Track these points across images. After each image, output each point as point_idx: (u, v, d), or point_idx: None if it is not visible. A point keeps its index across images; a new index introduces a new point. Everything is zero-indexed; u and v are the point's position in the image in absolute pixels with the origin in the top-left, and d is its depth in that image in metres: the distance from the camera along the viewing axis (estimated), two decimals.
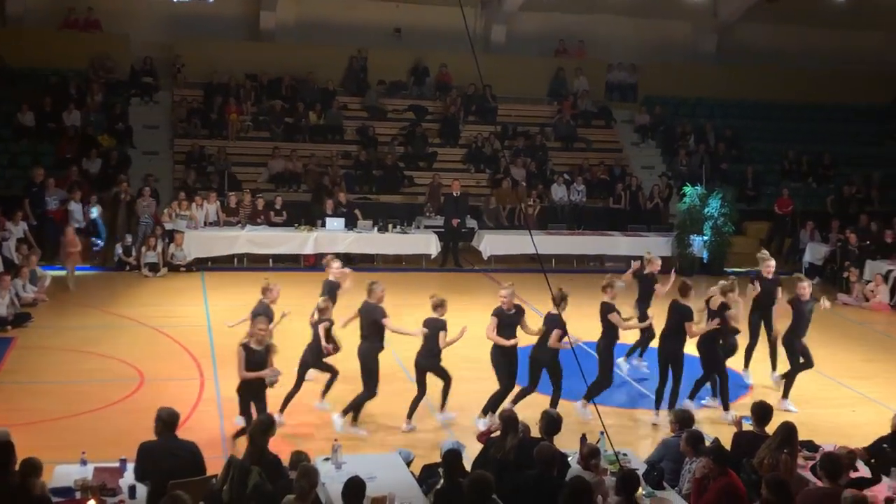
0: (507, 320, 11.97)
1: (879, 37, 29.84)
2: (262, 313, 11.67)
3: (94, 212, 20.52)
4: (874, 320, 18.70)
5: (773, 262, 14.05)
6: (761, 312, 13.91)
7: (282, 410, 11.54)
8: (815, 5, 26.75)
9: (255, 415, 10.22)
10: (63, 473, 8.44)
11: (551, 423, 9.03)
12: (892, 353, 16.40)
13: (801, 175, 26.97)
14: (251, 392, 10.51)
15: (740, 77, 28.66)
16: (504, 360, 12.02)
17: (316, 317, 12.34)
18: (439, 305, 11.85)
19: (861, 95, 29.18)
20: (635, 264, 14.50)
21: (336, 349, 12.23)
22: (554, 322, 11.68)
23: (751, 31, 29.25)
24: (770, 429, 9.33)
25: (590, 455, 8.52)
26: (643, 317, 13.69)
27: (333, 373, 12.28)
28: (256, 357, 10.50)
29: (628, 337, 13.92)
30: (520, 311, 12.08)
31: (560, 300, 11.49)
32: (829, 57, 29.38)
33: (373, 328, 11.84)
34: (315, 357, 12.15)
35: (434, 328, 11.74)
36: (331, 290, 13.37)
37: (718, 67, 29.15)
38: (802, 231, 23.90)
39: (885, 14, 28.31)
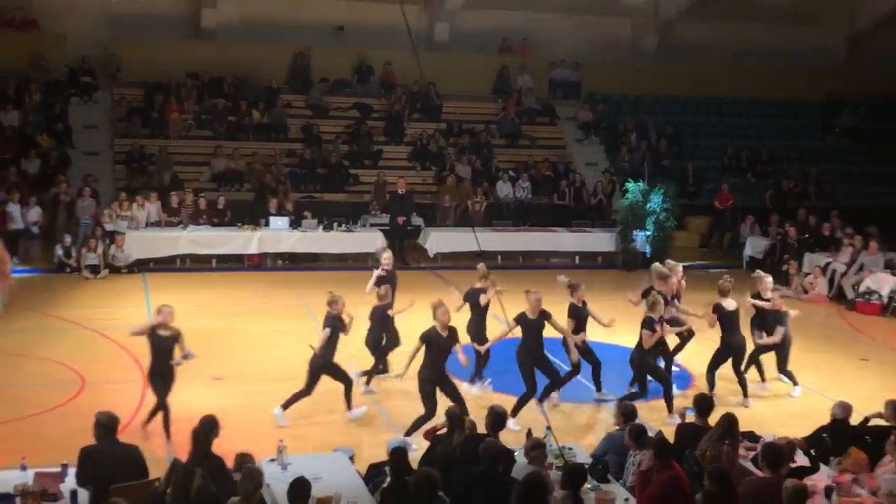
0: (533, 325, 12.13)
1: (817, 33, 30.39)
2: (332, 325, 11.95)
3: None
4: (813, 312, 18.96)
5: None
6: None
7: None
8: (753, 3, 27.19)
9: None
10: (3, 479, 8.28)
11: (497, 419, 9.07)
12: (831, 344, 16.68)
13: (741, 170, 27.37)
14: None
15: (681, 74, 29.04)
16: (530, 361, 12.04)
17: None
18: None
19: (799, 91, 29.68)
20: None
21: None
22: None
23: (691, 29, 29.59)
24: (712, 420, 9.46)
25: (532, 447, 8.57)
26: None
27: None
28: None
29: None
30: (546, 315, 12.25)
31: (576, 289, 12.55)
32: (767, 53, 29.83)
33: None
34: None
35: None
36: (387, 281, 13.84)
37: (660, 65, 29.46)
38: (742, 225, 24.25)
39: (823, 10, 28.89)
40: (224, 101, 25.31)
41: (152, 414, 11.15)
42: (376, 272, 13.99)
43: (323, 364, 11.83)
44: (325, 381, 13.28)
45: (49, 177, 22.00)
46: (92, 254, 19.60)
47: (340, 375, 11.99)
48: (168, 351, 11.00)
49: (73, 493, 7.99)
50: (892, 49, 30.05)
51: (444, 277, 20.47)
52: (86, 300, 17.63)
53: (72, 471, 8.35)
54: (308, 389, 11.76)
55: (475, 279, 13.78)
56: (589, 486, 8.38)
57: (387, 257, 14.32)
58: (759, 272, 14.53)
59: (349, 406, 11.95)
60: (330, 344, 11.84)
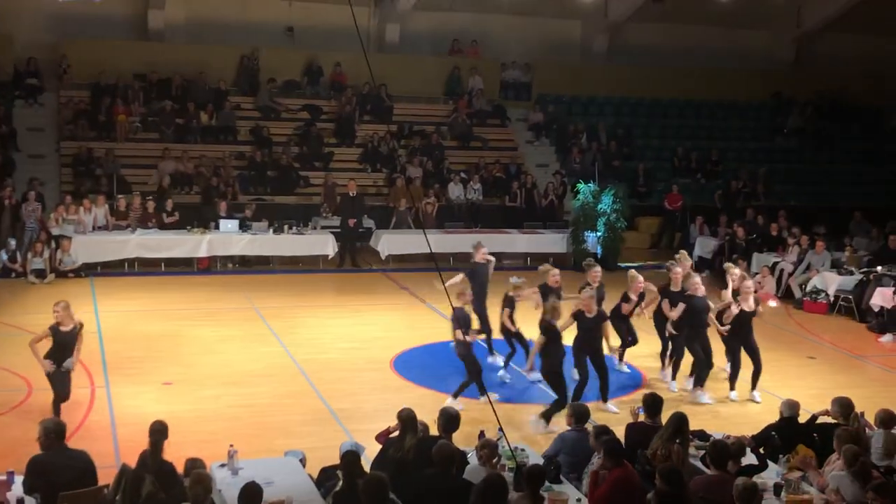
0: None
1: (764, 35, 30.84)
2: (461, 318, 12.25)
3: None
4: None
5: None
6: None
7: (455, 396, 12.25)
8: (701, 5, 27.45)
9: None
10: None
11: (449, 420, 9.05)
12: (779, 343, 16.85)
13: (691, 171, 27.66)
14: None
15: (631, 76, 29.25)
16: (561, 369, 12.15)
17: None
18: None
19: (747, 92, 30.07)
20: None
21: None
22: None
23: (640, 31, 29.84)
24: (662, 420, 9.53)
25: (481, 447, 8.56)
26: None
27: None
28: None
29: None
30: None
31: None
32: (715, 55, 30.20)
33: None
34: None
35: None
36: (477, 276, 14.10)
37: (609, 66, 29.67)
38: (692, 226, 24.49)
39: (769, 13, 29.28)
40: (172, 103, 25.06)
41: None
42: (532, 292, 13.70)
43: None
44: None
45: None
46: (38, 258, 19.29)
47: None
48: (70, 345, 11.38)
49: (20, 502, 7.86)
50: (839, 49, 30.61)
51: (397, 280, 20.48)
52: (32, 305, 17.33)
53: (18, 478, 8.20)
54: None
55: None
56: (542, 487, 8.38)
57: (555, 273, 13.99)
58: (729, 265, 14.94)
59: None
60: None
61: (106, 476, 8.42)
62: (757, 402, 13.21)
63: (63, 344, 11.40)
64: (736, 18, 28.79)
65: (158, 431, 8.44)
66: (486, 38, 29.18)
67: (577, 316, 12.35)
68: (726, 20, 29.01)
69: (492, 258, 14.96)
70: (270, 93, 26.32)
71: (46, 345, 11.49)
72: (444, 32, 28.86)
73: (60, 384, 11.40)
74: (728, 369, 13.69)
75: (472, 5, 28.28)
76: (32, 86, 24.77)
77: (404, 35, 28.36)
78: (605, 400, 12.58)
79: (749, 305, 13.19)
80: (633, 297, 13.96)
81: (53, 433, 8.28)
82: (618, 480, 8.17)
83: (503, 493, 7.57)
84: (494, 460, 8.58)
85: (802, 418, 10.23)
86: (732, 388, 13.46)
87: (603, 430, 9.03)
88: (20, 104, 24.52)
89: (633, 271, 14.47)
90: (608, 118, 28.77)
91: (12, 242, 19.64)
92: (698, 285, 13.21)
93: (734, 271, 14.28)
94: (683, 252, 15.23)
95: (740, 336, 13.28)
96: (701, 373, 13.33)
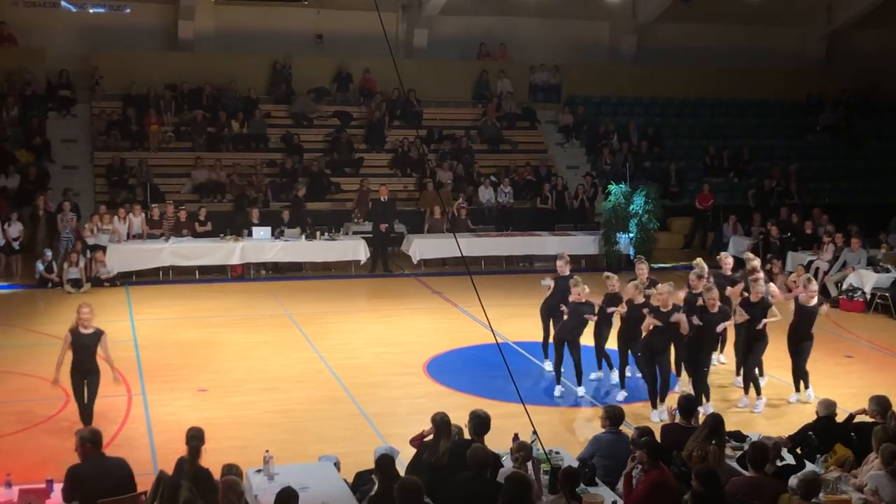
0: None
1: (793, 33, 30.58)
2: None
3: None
4: None
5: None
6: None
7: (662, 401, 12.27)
8: (730, 4, 27.32)
9: None
10: None
11: (480, 423, 9.04)
12: (816, 342, 16.60)
13: (723, 170, 27.47)
14: None
15: (660, 76, 29.12)
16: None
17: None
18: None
19: (777, 91, 29.84)
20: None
21: None
22: None
23: (668, 31, 29.69)
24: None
25: (516, 450, 8.55)
26: None
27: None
28: None
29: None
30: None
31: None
32: (744, 54, 30.00)
33: None
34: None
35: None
36: None
37: (638, 67, 29.55)
38: (725, 225, 24.32)
39: (799, 11, 29.06)
40: (203, 112, 25.23)
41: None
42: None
43: None
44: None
45: (29, 192, 21.87)
46: (74, 268, 19.48)
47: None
48: (92, 350, 11.34)
49: None
50: (869, 47, 30.30)
51: (429, 284, 20.49)
52: (68, 315, 17.29)
53: (57, 486, 8.30)
54: None
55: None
56: (577, 489, 8.37)
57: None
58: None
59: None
60: None
61: (143, 483, 8.49)
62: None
63: (84, 348, 11.32)
64: (765, 17, 28.61)
65: (196, 437, 8.50)
66: (513, 40, 29.16)
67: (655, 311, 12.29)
68: (755, 19, 28.82)
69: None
70: (307, 101, 26.39)
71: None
72: (471, 36, 28.87)
73: (79, 395, 11.36)
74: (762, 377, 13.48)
75: (499, 9, 28.26)
76: (65, 98, 25.04)
77: (432, 40, 28.41)
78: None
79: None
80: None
81: (89, 442, 8.35)
82: (654, 482, 8.15)
83: (528, 488, 7.56)
84: (529, 463, 8.58)
85: (840, 418, 10.13)
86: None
87: (645, 432, 8.99)
88: (53, 116, 24.80)
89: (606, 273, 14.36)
90: (638, 118, 28.64)
91: (48, 253, 19.84)
92: (715, 301, 12.58)
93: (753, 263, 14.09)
94: (699, 260, 14.25)
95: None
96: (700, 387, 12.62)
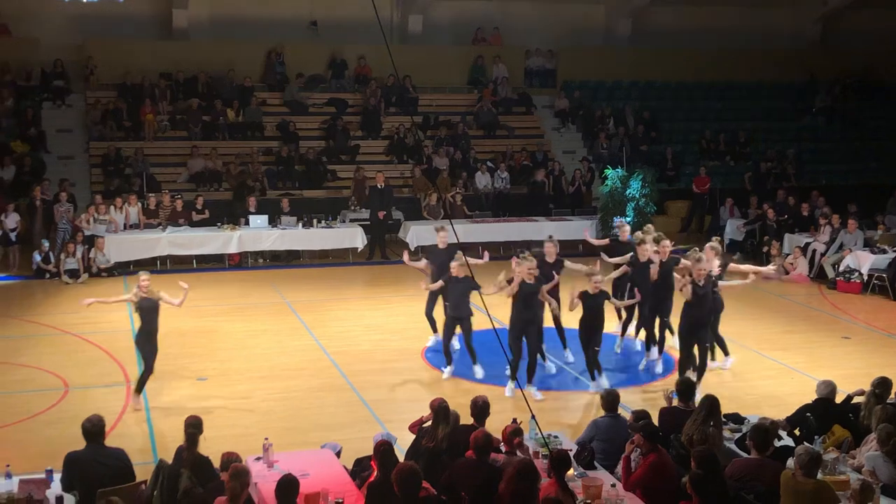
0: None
1: (788, 14, 30.56)
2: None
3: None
4: (794, 292, 19.11)
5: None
6: None
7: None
8: None
9: None
10: None
11: (480, 408, 9.08)
12: (813, 324, 16.78)
13: (719, 153, 27.46)
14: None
15: (656, 59, 29.06)
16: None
17: None
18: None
19: (773, 73, 29.77)
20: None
21: None
22: None
23: (664, 14, 29.65)
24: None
25: (512, 434, 8.57)
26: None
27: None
28: None
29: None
30: None
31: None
32: (740, 36, 29.96)
33: None
34: None
35: None
36: None
37: (634, 50, 29.49)
38: (722, 208, 24.33)
39: None
40: (198, 101, 25.18)
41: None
42: None
43: None
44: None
45: (25, 183, 21.84)
46: (71, 258, 19.47)
47: None
48: (154, 313, 12.08)
49: (59, 499, 7.96)
50: (865, 28, 30.25)
51: (426, 271, 20.44)
52: (66, 305, 17.52)
53: (57, 476, 8.32)
54: None
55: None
56: (576, 472, 8.40)
57: None
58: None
59: None
60: None
61: (143, 472, 8.51)
62: None
63: (147, 311, 11.99)
64: None
65: (193, 426, 8.52)
66: (508, 25, 29.08)
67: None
68: (750, 1, 28.75)
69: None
70: (297, 87, 26.36)
71: (117, 305, 13.02)
72: (466, 21, 28.78)
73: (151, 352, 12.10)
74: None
75: None
76: (60, 87, 24.96)
77: (427, 25, 28.33)
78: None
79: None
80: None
81: (88, 431, 8.38)
82: (653, 465, 8.19)
83: (534, 475, 7.59)
84: (517, 442, 8.60)
85: (838, 399, 10.14)
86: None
87: (641, 415, 9.02)
88: (48, 106, 24.72)
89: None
90: (634, 102, 28.60)
91: (45, 243, 19.84)
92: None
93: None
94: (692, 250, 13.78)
95: None
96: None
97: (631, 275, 13.88)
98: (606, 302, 12.85)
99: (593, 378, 12.75)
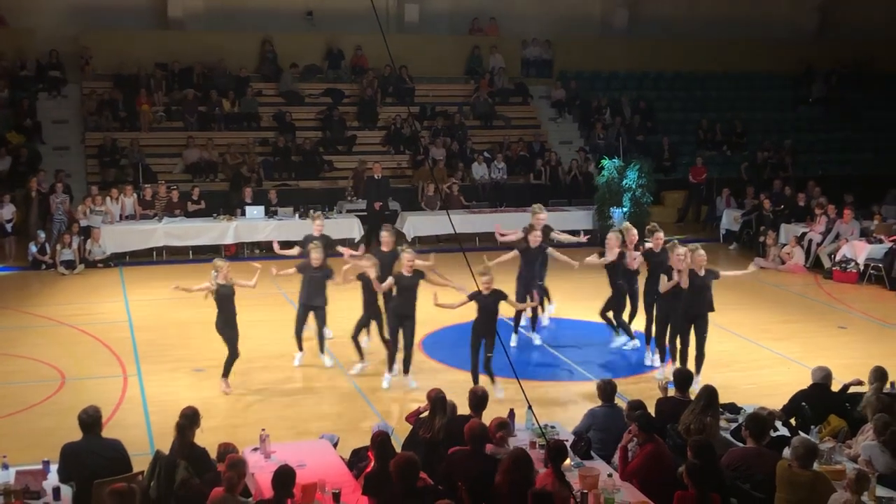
0: None
1: (785, 4, 30.51)
2: None
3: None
4: (790, 282, 19.13)
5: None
6: None
7: None
8: None
9: None
10: None
11: (478, 399, 9.08)
12: (809, 313, 16.79)
13: (716, 144, 27.45)
14: None
15: (652, 49, 29.03)
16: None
17: None
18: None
19: (769, 63, 29.74)
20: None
21: None
22: None
23: (660, 4, 29.64)
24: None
25: (497, 428, 8.55)
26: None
27: None
28: None
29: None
30: None
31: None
32: (737, 26, 29.92)
33: None
34: None
35: None
36: None
37: (630, 40, 29.44)
38: (718, 198, 24.32)
39: None
40: (194, 92, 25.12)
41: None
42: None
43: None
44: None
45: (21, 174, 21.80)
46: (67, 249, 19.43)
47: None
48: (231, 297, 12.21)
49: (56, 490, 7.95)
50: (862, 17, 30.21)
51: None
52: (62, 296, 17.51)
53: (53, 467, 8.31)
54: None
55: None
56: (572, 462, 8.41)
57: None
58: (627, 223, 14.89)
59: None
60: None
61: (140, 463, 8.51)
62: None
63: (225, 298, 12.15)
64: None
65: (187, 417, 8.48)
66: (505, 15, 29.00)
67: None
68: None
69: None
70: (292, 77, 26.30)
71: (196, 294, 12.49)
72: (462, 11, 28.70)
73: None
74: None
75: None
76: (55, 78, 24.90)
77: (423, 15, 28.25)
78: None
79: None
80: None
81: (84, 422, 8.37)
82: (649, 454, 8.20)
83: (529, 464, 7.60)
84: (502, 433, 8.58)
85: (834, 388, 10.14)
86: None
87: (637, 405, 9.03)
88: (44, 97, 24.67)
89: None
90: (630, 92, 28.58)
91: (41, 234, 19.81)
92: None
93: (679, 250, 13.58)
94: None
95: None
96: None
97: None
98: (503, 303, 12.30)
99: (476, 382, 11.89)
